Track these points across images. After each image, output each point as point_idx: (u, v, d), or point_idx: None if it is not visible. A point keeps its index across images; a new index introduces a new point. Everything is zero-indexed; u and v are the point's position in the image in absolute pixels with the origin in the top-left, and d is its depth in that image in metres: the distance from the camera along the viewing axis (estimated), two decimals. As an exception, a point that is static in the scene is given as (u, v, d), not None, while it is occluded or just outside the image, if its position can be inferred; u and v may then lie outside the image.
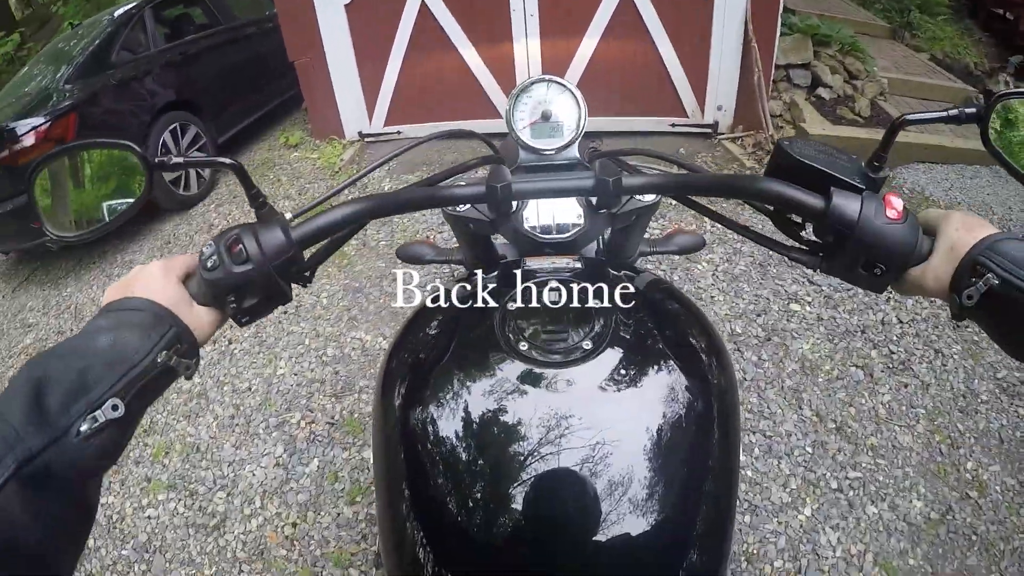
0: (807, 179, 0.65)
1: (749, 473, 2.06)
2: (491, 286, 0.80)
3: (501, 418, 0.63)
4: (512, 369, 0.66)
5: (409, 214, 3.67)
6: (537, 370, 0.65)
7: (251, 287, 0.61)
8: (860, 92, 4.37)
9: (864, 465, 2.10)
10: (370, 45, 4.29)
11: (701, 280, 2.94)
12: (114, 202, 0.68)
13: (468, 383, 0.67)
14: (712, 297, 2.84)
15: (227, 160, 0.64)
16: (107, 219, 0.68)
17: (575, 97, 0.88)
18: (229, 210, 4.20)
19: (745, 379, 2.41)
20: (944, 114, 0.62)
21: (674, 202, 3.51)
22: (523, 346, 0.67)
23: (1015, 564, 1.82)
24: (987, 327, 0.58)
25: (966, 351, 2.53)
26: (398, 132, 4.55)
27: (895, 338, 2.60)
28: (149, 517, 2.20)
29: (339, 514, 2.08)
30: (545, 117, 0.87)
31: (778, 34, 3.97)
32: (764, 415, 2.26)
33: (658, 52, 4.03)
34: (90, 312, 3.53)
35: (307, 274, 0.69)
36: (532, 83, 0.89)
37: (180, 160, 0.63)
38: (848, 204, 0.61)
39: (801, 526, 1.92)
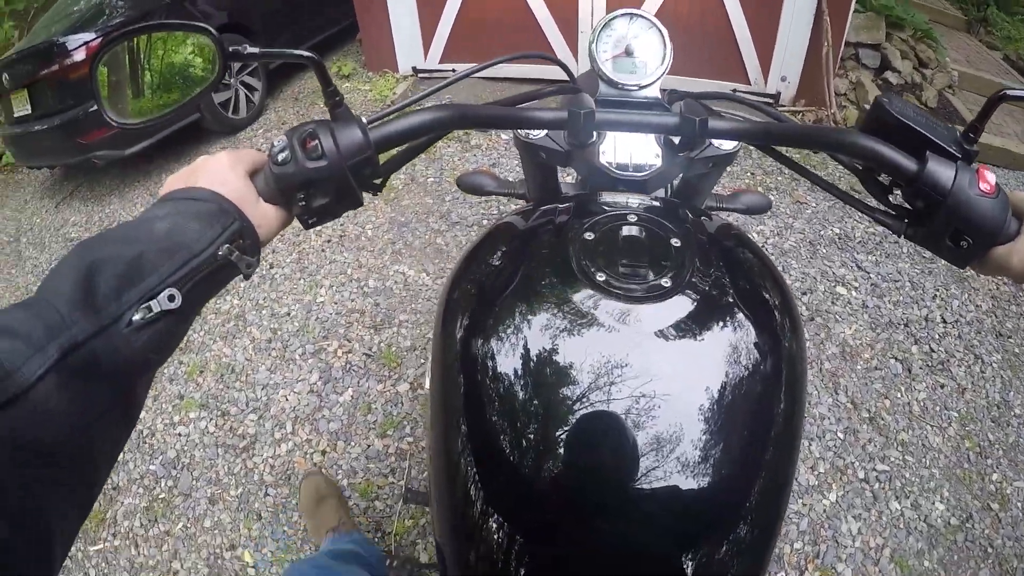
0: (902, 140, 0.62)
1: (779, 453, 2.03)
2: (565, 217, 0.75)
3: (567, 353, 0.60)
4: (587, 301, 0.62)
5: (462, 156, 3.60)
6: (613, 303, 0.62)
7: (323, 185, 0.58)
8: (929, 81, 4.16)
9: (893, 459, 2.06)
10: (432, -24, 4.13)
11: (750, 254, 2.86)
12: (184, 86, 0.65)
13: (538, 314, 0.63)
14: (759, 272, 2.77)
15: (305, 53, 0.59)
16: (174, 105, 0.64)
17: (661, 35, 0.85)
18: (278, 135, 4.14)
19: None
20: None
21: (741, 165, 3.41)
22: (600, 276, 0.63)
23: (1025, 585, 1.80)
24: None
25: (1006, 361, 2.46)
26: (453, 70, 4.40)
27: (937, 337, 2.53)
28: (179, 434, 2.23)
29: (369, 446, 2.09)
30: (628, 52, 0.85)
31: (852, 10, 3.75)
32: (804, 394, 2.22)
33: (727, 13, 3.83)
34: None
35: (379, 181, 0.67)
36: (617, 16, 0.86)
37: (256, 51, 0.58)
38: (943, 171, 0.59)
39: (824, 511, 1.90)
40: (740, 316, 0.66)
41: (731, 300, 0.67)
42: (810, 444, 2.06)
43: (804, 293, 2.66)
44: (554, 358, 0.60)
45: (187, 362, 2.49)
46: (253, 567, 1.84)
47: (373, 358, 2.40)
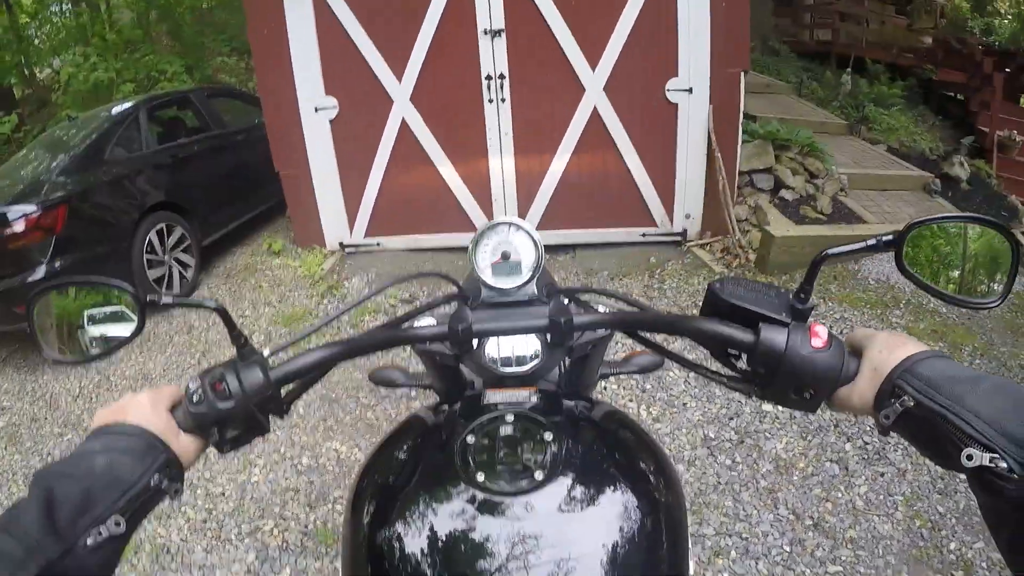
0: (738, 316, 0.72)
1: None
2: (453, 419, 0.89)
3: (459, 544, 0.70)
4: (469, 498, 0.72)
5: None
6: (492, 499, 0.71)
7: (232, 420, 0.69)
8: (821, 191, 4.68)
9: (844, 559, 2.13)
10: (353, 159, 4.56)
11: (673, 388, 3.04)
12: (106, 334, 0.77)
13: (431, 508, 0.74)
14: (684, 404, 2.94)
15: (212, 303, 0.71)
16: (98, 350, 0.77)
17: (532, 238, 0.97)
18: (209, 313, 4.27)
19: (720, 483, 2.47)
20: (864, 245, 0.69)
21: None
22: (479, 476, 0.73)
23: (1007, 643, 1.83)
24: (910, 441, 0.63)
25: (940, 438, 2.62)
26: (377, 244, 4.75)
27: (868, 429, 2.68)
28: None
29: (310, 627, 2.06)
30: (505, 257, 0.94)
31: (740, 142, 4.32)
32: (740, 517, 2.31)
33: (626, 165, 4.33)
34: (65, 402, 3.56)
35: (284, 407, 0.77)
36: (493, 226, 0.99)
37: (170, 300, 0.71)
38: (775, 337, 0.68)
39: (781, 626, 1.93)
40: (613, 486, 0.76)
41: (608, 473, 0.78)
42: (756, 563, 2.13)
43: (731, 418, 2.83)
44: (446, 550, 0.70)
45: (122, 544, 2.45)
46: None
47: (309, 536, 2.41)
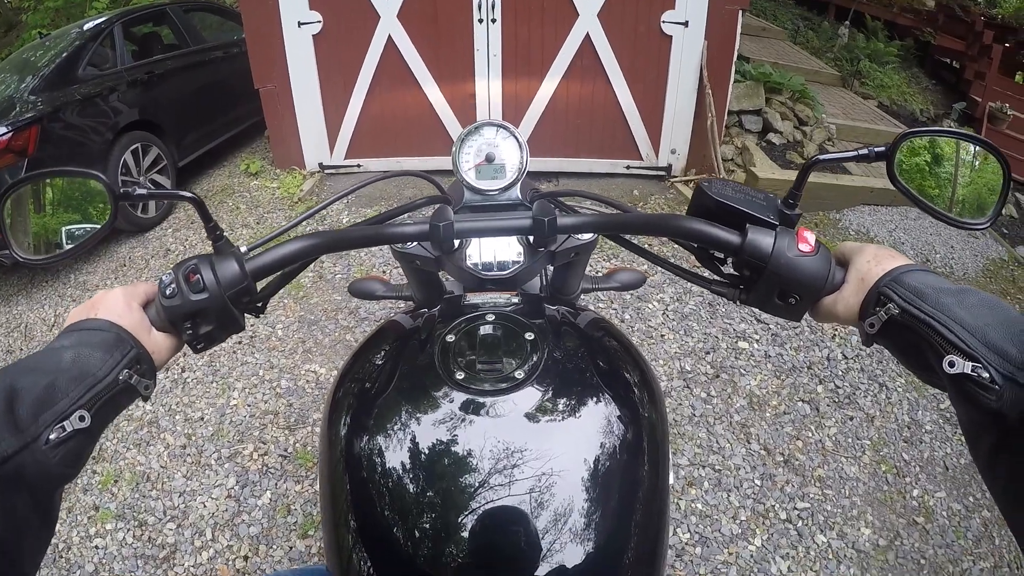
0: (726, 217, 0.70)
1: (699, 506, 2.12)
2: (432, 320, 0.84)
3: (440, 446, 0.67)
4: (449, 398, 0.69)
5: (367, 251, 3.70)
6: (473, 399, 0.69)
7: (206, 315, 0.66)
8: (809, 138, 4.61)
9: (812, 496, 2.18)
10: (335, 77, 4.33)
11: (652, 319, 3.03)
12: (78, 228, 0.72)
13: (410, 413, 0.71)
14: (662, 336, 2.93)
15: (187, 194, 0.67)
16: (71, 245, 0.71)
17: (518, 140, 0.94)
18: (186, 235, 4.15)
19: (695, 415, 2.49)
20: (855, 153, 0.68)
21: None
22: (459, 375, 0.71)
23: (964, 587, 1.90)
24: (893, 351, 0.62)
25: (909, 383, 2.68)
26: (358, 165, 4.59)
27: (840, 373, 2.73)
28: (97, 547, 2.14)
29: (291, 547, 2.06)
30: (489, 159, 0.93)
31: (732, 81, 4.18)
32: (713, 450, 2.33)
33: (615, 96, 4.18)
34: (40, 332, 3.45)
35: (260, 304, 0.74)
36: (477, 127, 0.94)
37: (144, 192, 0.67)
38: (762, 239, 0.66)
39: (752, 556, 1.98)
40: (598, 393, 0.73)
41: (590, 380, 0.74)
42: (728, 495, 2.16)
43: (707, 352, 2.83)
44: (425, 452, 0.67)
45: (101, 472, 2.40)
46: None
47: (289, 459, 2.39)
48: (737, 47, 4.08)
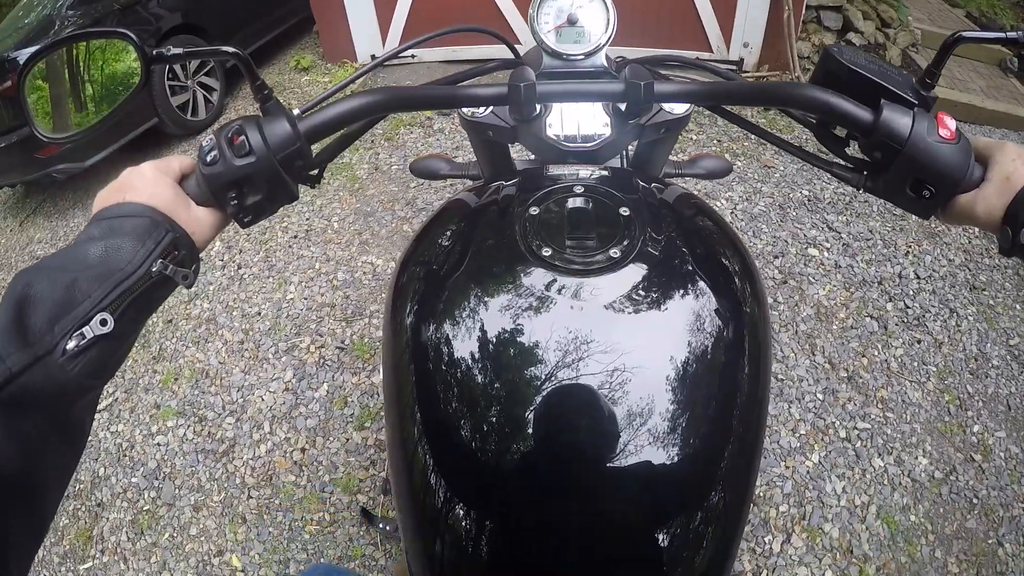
0: (856, 90, 0.61)
1: (759, 416, 2.05)
2: (511, 193, 0.74)
3: (520, 332, 0.59)
4: (534, 277, 0.61)
5: (424, 140, 3.57)
6: (561, 278, 0.60)
7: (254, 182, 0.57)
8: (892, 41, 4.19)
9: (873, 417, 2.09)
10: (386, -37, 4.07)
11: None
12: (106, 98, 0.64)
13: (486, 294, 0.63)
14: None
15: (230, 49, 0.58)
16: (97, 118, 0.64)
17: (605, 4, 0.84)
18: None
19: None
20: (1004, 36, 0.59)
21: (700, 128, 3.43)
22: (546, 252, 0.62)
23: (1012, 532, 1.83)
24: None
25: (981, 314, 2.50)
26: (412, 56, 4.37)
27: (911, 293, 2.57)
28: (159, 444, 2.21)
29: (348, 439, 2.09)
30: (571, 21, 0.83)
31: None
32: (777, 358, 2.25)
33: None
34: None
35: (315, 173, 0.66)
36: None
37: (179, 51, 0.58)
38: (899, 118, 0.57)
39: (808, 472, 1.92)
40: (697, 284, 0.65)
41: (687, 268, 0.66)
42: (790, 406, 2.09)
43: (776, 256, 2.69)
44: (503, 338, 0.59)
45: (161, 370, 2.46)
46: (242, 571, 1.83)
47: (346, 351, 2.40)
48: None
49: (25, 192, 4.39)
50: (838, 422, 2.06)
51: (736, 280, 0.70)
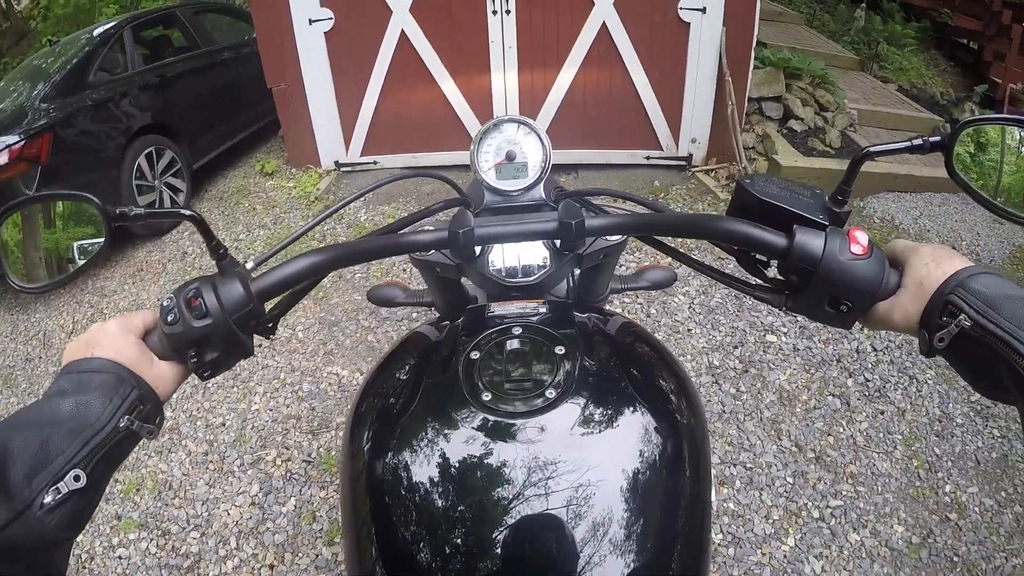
0: (770, 217, 0.65)
1: (731, 506, 2.07)
2: (456, 334, 0.79)
3: (466, 471, 0.62)
4: (476, 420, 0.65)
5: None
6: (501, 420, 0.64)
7: (211, 341, 0.61)
8: (831, 124, 4.50)
9: (845, 493, 2.13)
10: (349, 74, 4.31)
11: (678, 313, 2.98)
12: (74, 252, 0.68)
13: (434, 435, 0.66)
14: (689, 330, 2.88)
15: (187, 212, 0.64)
16: (65, 273, 0.68)
17: (539, 136, 0.89)
18: (202, 238, 4.13)
19: (724, 411, 2.44)
20: (908, 144, 0.62)
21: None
22: (486, 396, 0.66)
23: (997, 583, 1.86)
24: (958, 366, 0.58)
25: (940, 376, 2.61)
26: (375, 162, 4.57)
27: (870, 366, 2.66)
28: (120, 557, 2.14)
29: (317, 555, 2.05)
30: (510, 158, 0.88)
31: (751, 67, 4.09)
32: (744, 447, 2.29)
33: (634, 85, 4.12)
34: (59, 339, 3.46)
35: (271, 325, 0.70)
36: (496, 124, 0.89)
37: (140, 211, 0.62)
38: (811, 241, 0.61)
39: (785, 556, 1.93)
40: (634, 405, 0.68)
41: (625, 391, 0.69)
42: (760, 494, 2.12)
43: (735, 347, 2.78)
44: (451, 477, 0.62)
45: (123, 480, 2.40)
46: None
47: (313, 464, 2.38)
48: (756, 32, 3.99)
49: (-19, 284, 4.34)
50: (810, 503, 2.09)
51: (671, 396, 0.74)
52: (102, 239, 0.65)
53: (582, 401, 0.66)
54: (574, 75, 4.13)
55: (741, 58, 3.96)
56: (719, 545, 1.95)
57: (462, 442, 0.64)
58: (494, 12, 3.97)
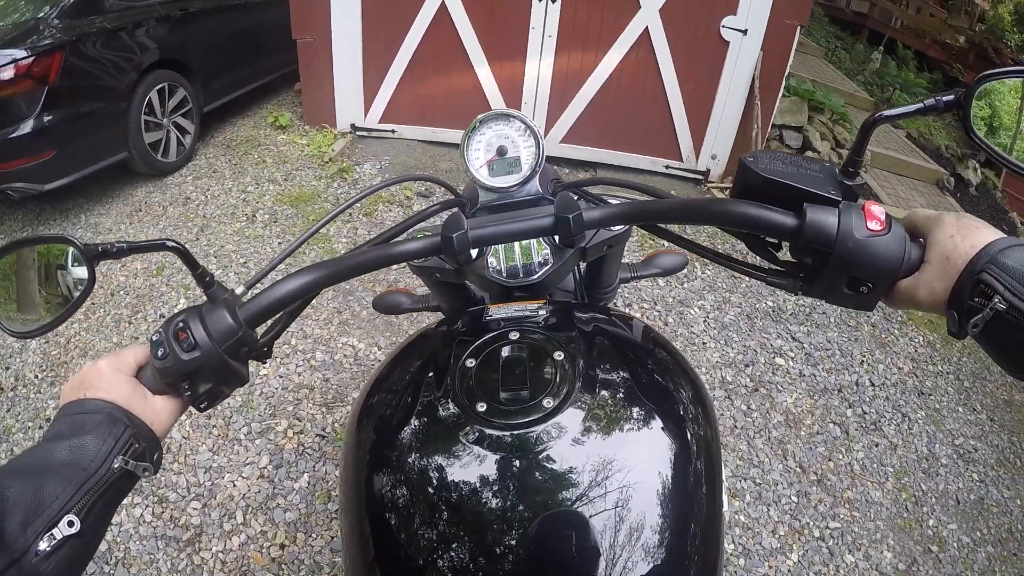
0: (778, 196, 0.62)
1: (742, 518, 2.20)
2: (453, 339, 0.78)
3: (462, 485, 0.62)
4: (470, 433, 0.63)
5: (407, 213, 3.67)
6: (496, 433, 0.63)
7: (202, 373, 0.61)
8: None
9: (842, 516, 2.29)
10: (379, 36, 4.27)
11: (694, 325, 3.10)
12: (61, 294, 0.67)
13: (429, 447, 0.66)
14: (704, 343, 3.00)
15: (170, 243, 0.62)
16: (53, 315, 0.66)
17: (531, 130, 0.86)
18: (207, 184, 4.06)
19: (736, 427, 2.57)
20: (922, 105, 0.59)
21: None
22: (481, 407, 0.65)
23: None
24: (990, 348, 0.54)
25: (929, 417, 2.81)
26: (392, 131, 4.54)
27: (868, 399, 2.84)
28: (111, 523, 2.07)
29: (333, 537, 1.99)
30: (501, 153, 0.85)
31: (780, 95, 4.23)
32: (753, 463, 2.42)
33: (665, 93, 4.21)
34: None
35: (264, 350, 0.69)
36: (483, 120, 0.87)
37: (123, 246, 0.60)
38: (824, 219, 0.58)
39: (789, 571, 2.07)
40: (637, 414, 0.66)
41: (626, 401, 0.67)
42: (768, 509, 2.25)
43: (747, 365, 2.91)
44: (444, 492, 0.62)
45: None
46: None
47: (328, 440, 2.31)
48: (791, 62, 4.12)
49: (-33, 202, 4.13)
50: (812, 522, 2.24)
51: (681, 402, 0.71)
52: (86, 278, 0.63)
53: (582, 410, 0.64)
54: (608, 74, 4.19)
55: (772, 84, 4.10)
56: (731, 555, 2.08)
57: (457, 455, 0.63)
58: (540, -1, 4.01)
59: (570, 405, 0.64)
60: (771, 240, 0.67)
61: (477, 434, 0.63)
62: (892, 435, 2.68)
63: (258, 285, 0.66)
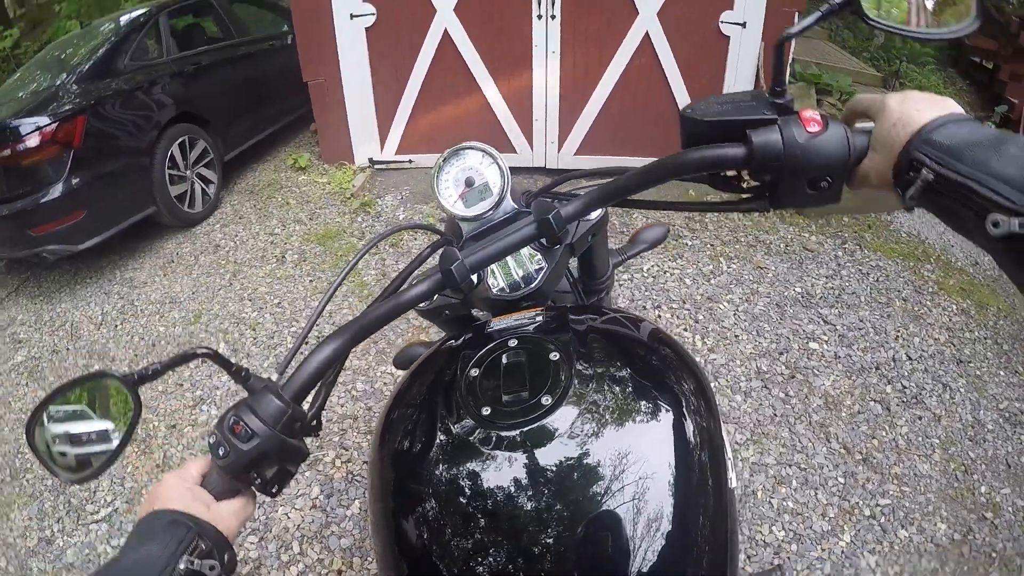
0: (724, 134, 0.68)
1: (790, 504, 2.27)
2: (460, 353, 0.84)
3: (478, 487, 0.67)
4: (478, 436, 0.70)
5: (430, 239, 3.79)
6: (501, 433, 0.69)
7: (267, 458, 0.64)
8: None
9: (891, 493, 2.33)
10: (388, 71, 4.43)
11: (724, 320, 3.17)
12: (110, 429, 0.68)
13: (445, 454, 0.72)
14: (736, 336, 3.07)
15: (202, 349, 0.65)
16: (109, 449, 0.67)
17: (488, 154, 0.92)
18: (235, 231, 4.25)
19: (776, 415, 2.63)
20: (819, 14, 0.64)
21: (693, 234, 3.75)
22: (486, 411, 0.71)
23: (1031, 578, 2.07)
24: (937, 214, 0.59)
25: (970, 384, 2.83)
26: (409, 161, 4.69)
27: (906, 374, 2.87)
28: None
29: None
30: (469, 184, 0.91)
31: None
32: (797, 449, 2.48)
33: (672, 95, 4.28)
34: (87, 331, 3.52)
35: (315, 423, 0.73)
36: (444, 159, 0.93)
37: (157, 366, 0.63)
38: (768, 137, 0.64)
39: (843, 551, 2.12)
40: (634, 405, 0.72)
41: (622, 392, 0.73)
42: (816, 493, 2.31)
43: (781, 353, 2.97)
44: (464, 496, 0.68)
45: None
46: None
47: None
48: (793, 48, 4.18)
49: (7, 267, 4.34)
50: (861, 502, 2.29)
51: (677, 392, 0.76)
52: (132, 406, 0.65)
53: (579, 404, 0.70)
54: (615, 82, 4.29)
55: (777, 72, 4.15)
56: (782, 541, 2.14)
57: (470, 459, 0.69)
58: (539, 16, 4.12)
59: (568, 400, 0.69)
60: (730, 174, 0.74)
61: (485, 437, 0.69)
62: (935, 406, 2.71)
63: (291, 366, 0.71)
